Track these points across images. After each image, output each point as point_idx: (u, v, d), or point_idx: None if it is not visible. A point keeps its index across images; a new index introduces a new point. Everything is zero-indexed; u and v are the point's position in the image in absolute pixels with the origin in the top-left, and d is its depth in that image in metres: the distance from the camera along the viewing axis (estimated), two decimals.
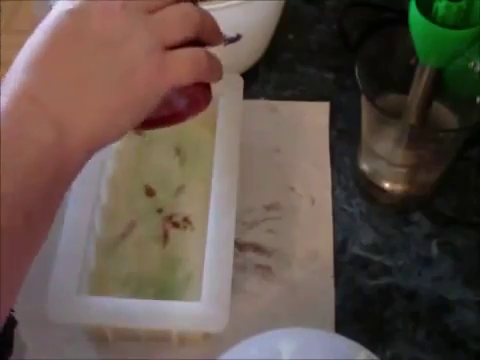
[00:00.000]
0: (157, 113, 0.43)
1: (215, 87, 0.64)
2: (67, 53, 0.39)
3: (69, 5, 0.40)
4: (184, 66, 0.42)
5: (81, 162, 0.40)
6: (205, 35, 0.44)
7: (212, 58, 0.44)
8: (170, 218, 0.62)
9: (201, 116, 0.64)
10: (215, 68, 0.45)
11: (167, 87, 0.42)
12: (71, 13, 0.40)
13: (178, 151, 0.66)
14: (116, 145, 0.63)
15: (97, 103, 0.40)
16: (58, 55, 0.39)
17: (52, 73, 0.39)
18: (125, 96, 0.40)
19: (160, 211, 0.63)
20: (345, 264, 0.62)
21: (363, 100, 0.59)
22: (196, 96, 0.46)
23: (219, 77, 0.46)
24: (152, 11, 0.42)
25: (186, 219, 0.62)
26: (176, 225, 0.62)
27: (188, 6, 0.43)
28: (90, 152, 0.40)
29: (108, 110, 0.40)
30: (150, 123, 0.44)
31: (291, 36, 0.79)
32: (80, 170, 0.40)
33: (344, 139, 0.70)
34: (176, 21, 0.42)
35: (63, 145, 0.38)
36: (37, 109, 0.38)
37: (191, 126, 0.66)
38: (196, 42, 0.44)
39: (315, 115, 0.72)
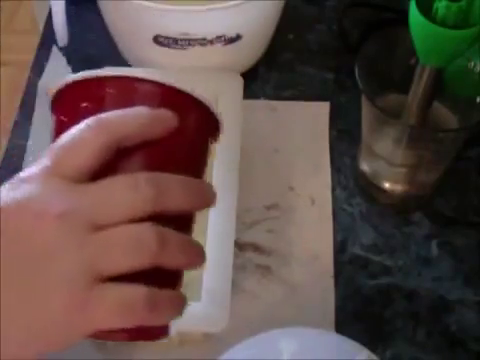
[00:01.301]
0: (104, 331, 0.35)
1: (215, 87, 0.65)
2: None
3: (4, 198, 0.34)
4: (111, 311, 0.33)
5: None
6: (166, 264, 0.34)
7: (160, 298, 0.35)
8: None
9: None
10: (163, 309, 0.35)
11: (83, 333, 0.34)
12: (1, 208, 0.33)
13: None
14: None
15: (4, 318, 0.32)
16: None
17: None
18: (34, 329, 0.33)
19: None
20: (345, 264, 0.62)
21: (363, 100, 0.59)
22: (144, 330, 0.36)
23: (173, 316, 0.36)
24: (98, 227, 0.33)
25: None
26: None
27: (146, 229, 0.34)
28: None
29: (11, 342, 0.33)
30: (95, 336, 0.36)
31: (291, 36, 0.79)
32: None
33: (344, 139, 0.70)
34: (123, 247, 0.33)
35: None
36: None
37: None
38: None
39: (315, 115, 0.72)
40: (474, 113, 0.58)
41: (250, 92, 0.71)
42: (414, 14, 0.50)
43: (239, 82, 0.65)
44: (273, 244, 0.63)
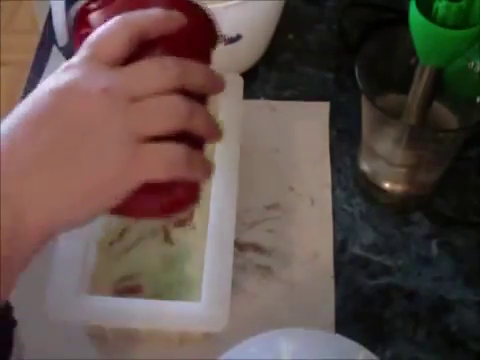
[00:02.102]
0: (138, 203, 0.41)
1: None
2: (39, 132, 0.38)
3: (53, 83, 0.39)
4: (157, 163, 0.40)
5: (37, 243, 0.39)
6: (195, 130, 0.41)
7: (195, 157, 0.41)
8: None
9: None
10: (198, 167, 0.42)
11: (136, 182, 0.39)
12: (52, 92, 0.39)
13: None
14: None
15: (60, 187, 0.38)
16: (30, 132, 0.38)
17: (20, 151, 0.38)
18: (90, 183, 0.39)
19: None
20: (345, 264, 0.62)
21: (363, 100, 0.59)
22: (178, 193, 0.42)
23: (204, 176, 0.43)
24: (136, 98, 0.40)
25: (187, 219, 0.62)
26: (176, 225, 0.62)
27: (176, 98, 0.40)
28: (49, 235, 0.39)
29: (71, 195, 0.39)
30: (129, 211, 0.42)
31: (291, 36, 0.79)
32: (39, 250, 0.39)
33: (344, 139, 0.70)
34: (159, 112, 0.40)
35: (17, 227, 0.37)
36: None
37: None
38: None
39: (315, 115, 0.72)
40: (474, 113, 0.58)
41: (250, 92, 0.71)
42: (414, 14, 0.50)
43: (239, 82, 0.65)
44: (273, 244, 0.63)
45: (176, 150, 0.40)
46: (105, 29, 0.41)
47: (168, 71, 0.41)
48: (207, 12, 0.46)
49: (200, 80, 0.42)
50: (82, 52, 0.41)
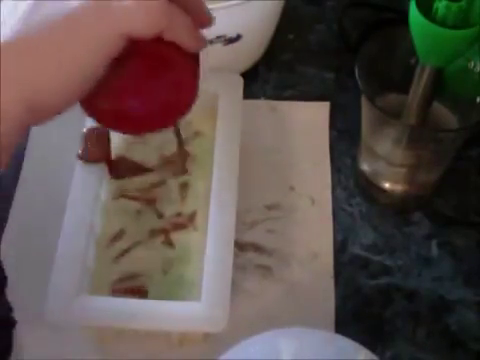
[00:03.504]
0: (142, 106, 0.40)
1: (215, 87, 0.65)
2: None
3: None
4: (133, 9, 0.37)
5: (17, 121, 0.37)
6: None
7: (174, 11, 0.39)
8: (171, 218, 0.62)
9: (201, 116, 0.65)
10: (177, 25, 0.39)
11: (115, 33, 0.37)
12: None
13: None
14: (118, 144, 0.63)
15: (36, 56, 0.37)
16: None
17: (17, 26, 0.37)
18: (69, 43, 0.37)
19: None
20: (345, 264, 0.62)
21: (363, 100, 0.59)
22: (178, 78, 0.40)
23: (197, 42, 0.40)
24: None
25: (187, 223, 0.62)
26: (176, 225, 0.62)
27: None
28: (29, 111, 0.37)
29: (53, 60, 0.37)
30: (139, 124, 0.41)
31: (291, 36, 0.79)
32: (19, 133, 0.37)
33: (344, 139, 0.70)
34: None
35: None
36: None
37: (191, 126, 0.66)
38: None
39: (315, 115, 0.72)
40: (474, 113, 0.58)
41: (250, 92, 0.71)
42: (414, 14, 0.50)
43: (239, 82, 0.65)
44: (273, 244, 0.63)
45: (159, 2, 0.38)
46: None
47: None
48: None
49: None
50: None
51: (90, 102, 0.40)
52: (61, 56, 0.37)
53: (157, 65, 0.40)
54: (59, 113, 0.39)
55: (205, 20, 0.43)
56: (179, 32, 0.39)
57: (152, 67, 0.40)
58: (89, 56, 0.37)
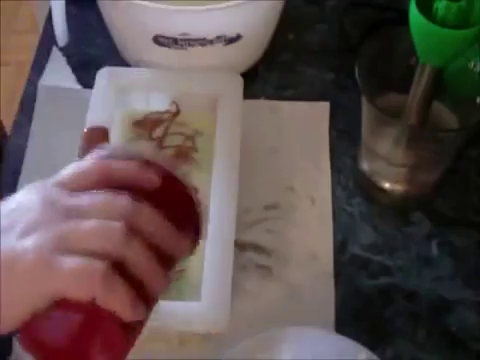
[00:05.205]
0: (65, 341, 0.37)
1: (215, 87, 0.65)
2: None
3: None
4: (70, 275, 0.36)
5: None
6: (132, 262, 0.38)
7: (114, 279, 0.37)
8: None
9: (201, 116, 0.65)
10: (116, 290, 0.37)
11: (48, 293, 0.37)
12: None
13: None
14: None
15: None
16: None
17: None
18: (3, 285, 0.37)
19: None
20: (345, 264, 0.62)
21: (363, 100, 0.59)
22: (108, 333, 0.38)
23: (122, 306, 0.37)
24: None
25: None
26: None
27: (117, 224, 0.38)
28: None
29: None
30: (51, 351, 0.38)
31: (291, 36, 0.79)
32: None
33: (344, 139, 0.70)
34: (92, 231, 0.38)
35: None
36: None
37: (191, 126, 0.66)
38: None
39: (315, 115, 0.72)
40: (474, 113, 0.58)
41: (250, 92, 0.71)
42: (414, 14, 0.51)
43: (239, 82, 0.65)
44: (273, 244, 0.63)
45: (96, 264, 0.37)
46: (79, 166, 0.41)
47: (117, 203, 0.39)
48: (191, 193, 0.43)
49: (152, 227, 0.39)
50: (51, 179, 0.41)
51: (25, 333, 0.39)
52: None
53: (84, 324, 0.38)
54: None
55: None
56: (113, 303, 0.37)
57: (79, 324, 0.38)
58: (13, 305, 0.37)
